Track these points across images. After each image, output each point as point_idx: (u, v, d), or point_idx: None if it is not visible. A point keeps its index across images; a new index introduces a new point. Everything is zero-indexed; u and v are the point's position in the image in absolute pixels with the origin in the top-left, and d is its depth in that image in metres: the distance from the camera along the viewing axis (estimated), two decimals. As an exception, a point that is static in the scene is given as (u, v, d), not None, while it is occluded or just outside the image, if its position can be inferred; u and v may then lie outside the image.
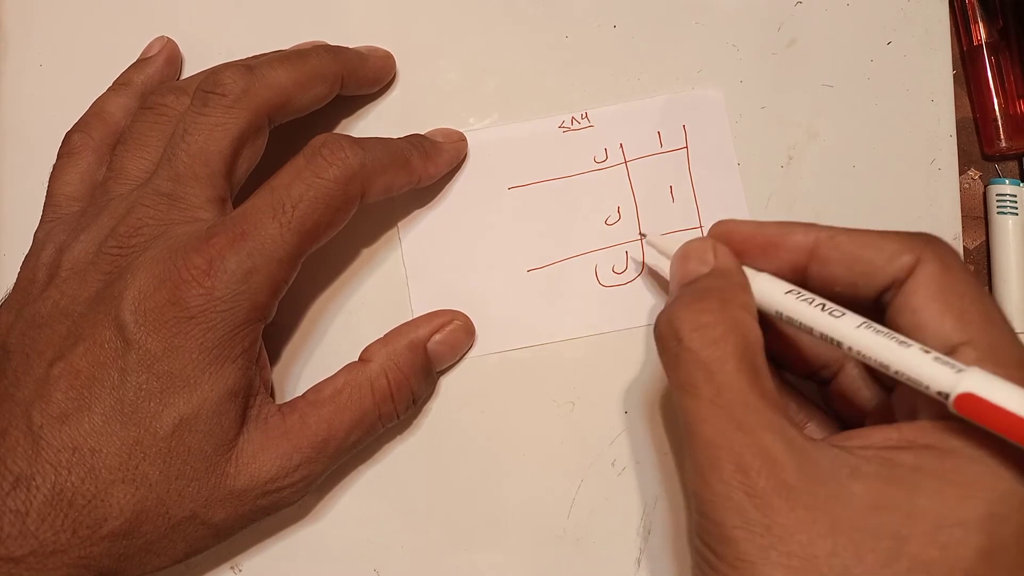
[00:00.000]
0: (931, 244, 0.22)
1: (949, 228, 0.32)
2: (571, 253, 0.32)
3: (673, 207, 0.32)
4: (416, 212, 0.32)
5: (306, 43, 0.32)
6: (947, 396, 0.20)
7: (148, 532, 0.24)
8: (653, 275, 0.31)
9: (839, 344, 0.22)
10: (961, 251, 0.31)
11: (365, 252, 0.32)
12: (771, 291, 0.24)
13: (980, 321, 0.21)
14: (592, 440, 0.30)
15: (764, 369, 0.22)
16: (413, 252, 0.32)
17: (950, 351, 0.21)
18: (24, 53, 0.33)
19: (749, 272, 0.24)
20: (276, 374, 0.31)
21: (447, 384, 0.31)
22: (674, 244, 0.26)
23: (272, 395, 0.28)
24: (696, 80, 0.32)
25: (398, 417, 0.29)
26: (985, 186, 0.34)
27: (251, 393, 0.26)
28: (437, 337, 0.30)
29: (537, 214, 0.32)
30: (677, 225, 0.32)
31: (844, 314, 0.22)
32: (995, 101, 0.34)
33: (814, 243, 0.23)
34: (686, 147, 0.32)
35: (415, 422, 0.31)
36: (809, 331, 0.23)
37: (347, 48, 0.31)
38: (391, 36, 0.32)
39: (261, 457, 0.26)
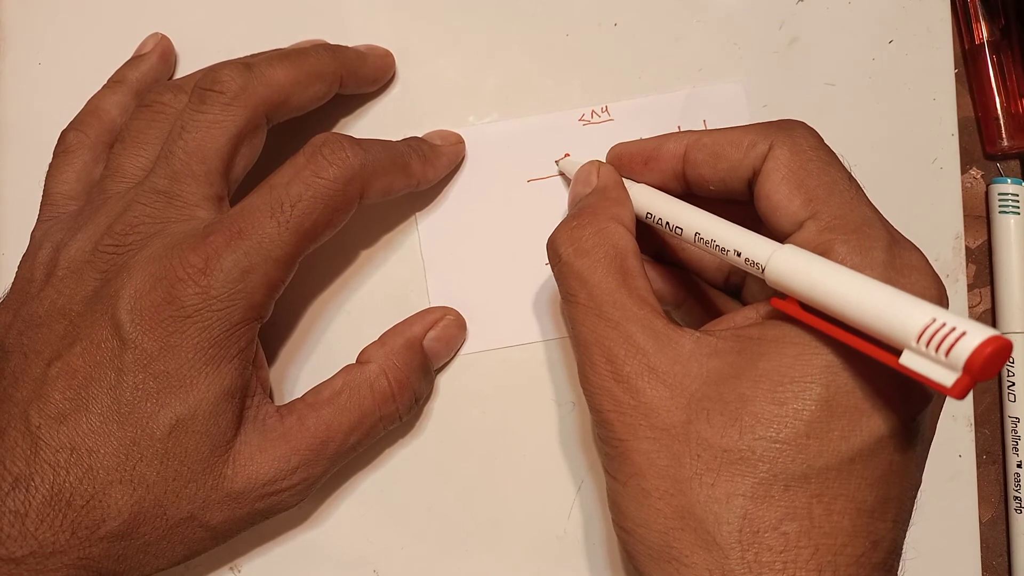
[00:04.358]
0: (784, 128, 0.24)
1: (951, 227, 0.31)
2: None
3: None
4: (435, 203, 0.32)
5: (305, 41, 0.32)
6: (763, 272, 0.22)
7: (146, 533, 0.24)
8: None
9: (680, 232, 0.25)
10: (963, 251, 0.31)
11: (364, 253, 0.32)
12: (640, 196, 0.26)
13: (825, 194, 0.22)
14: (592, 440, 0.30)
15: (635, 271, 0.24)
16: (431, 244, 0.32)
17: (798, 227, 0.22)
18: (23, 51, 0.33)
19: (628, 183, 0.27)
20: (276, 376, 0.31)
21: (448, 385, 0.31)
22: (582, 163, 0.28)
23: (271, 397, 0.28)
24: (697, 79, 0.32)
25: (400, 418, 0.29)
26: (987, 185, 0.34)
27: (248, 394, 0.26)
28: (432, 334, 0.30)
29: (556, 207, 0.32)
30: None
31: (688, 206, 0.25)
32: (997, 100, 0.34)
33: (685, 148, 0.25)
34: None
35: (416, 422, 0.31)
36: (666, 226, 0.25)
37: (346, 47, 0.31)
38: (390, 34, 0.32)
39: (259, 459, 0.26)
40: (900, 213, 0.31)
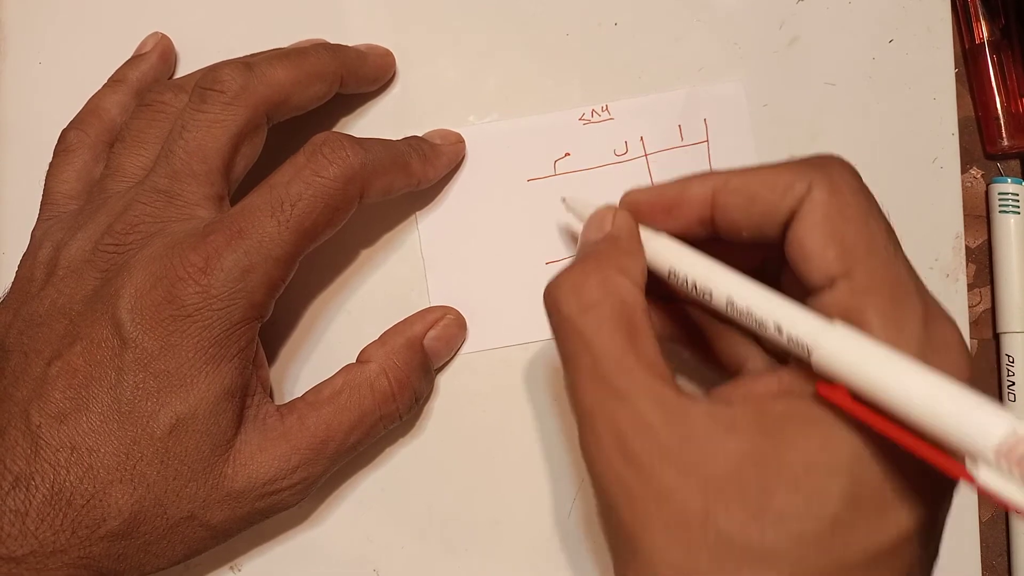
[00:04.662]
0: (823, 168, 0.22)
1: (951, 227, 0.31)
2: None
3: None
4: (435, 203, 0.32)
5: (305, 41, 0.32)
6: (809, 354, 0.20)
7: (147, 533, 0.24)
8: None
9: (709, 297, 0.22)
10: (963, 250, 0.31)
11: (364, 252, 0.32)
12: (662, 251, 0.24)
13: (862, 249, 0.21)
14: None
15: (643, 331, 0.21)
16: (431, 243, 0.32)
17: (830, 283, 0.21)
18: (23, 51, 0.33)
19: (647, 234, 0.24)
20: (276, 375, 0.31)
21: (448, 384, 0.31)
22: (594, 206, 0.26)
23: (271, 396, 0.28)
24: (697, 79, 0.32)
25: (400, 418, 0.29)
26: (987, 185, 0.34)
27: (248, 393, 0.26)
28: (432, 333, 0.30)
29: (556, 207, 0.31)
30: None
31: (720, 266, 0.22)
32: (997, 99, 0.34)
33: (711, 192, 0.23)
34: (707, 141, 0.32)
35: (416, 422, 0.31)
36: (693, 288, 0.23)
37: (347, 46, 0.31)
38: (391, 34, 0.32)
39: (259, 458, 0.26)
40: (900, 213, 0.32)
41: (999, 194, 0.33)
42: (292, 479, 0.26)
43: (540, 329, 0.31)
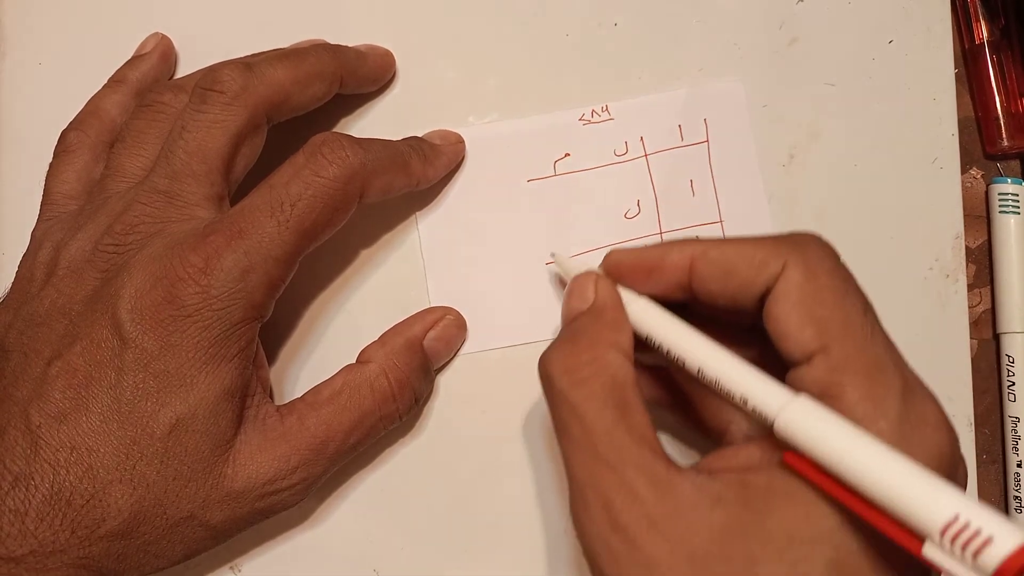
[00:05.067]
0: (799, 247, 0.22)
1: (951, 227, 0.32)
2: (590, 247, 0.31)
3: (693, 201, 0.32)
4: (435, 203, 0.32)
5: (305, 41, 0.32)
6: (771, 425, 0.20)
7: (146, 533, 0.24)
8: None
9: (682, 363, 0.23)
10: (963, 250, 0.31)
11: (364, 252, 0.32)
12: (641, 315, 0.24)
13: (838, 328, 0.21)
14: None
15: (634, 404, 0.22)
16: (431, 243, 0.32)
17: (807, 359, 0.21)
18: (23, 52, 0.33)
19: (628, 297, 0.25)
20: (276, 376, 0.31)
21: (448, 385, 0.31)
22: (578, 267, 0.26)
23: (271, 397, 0.28)
24: (697, 78, 0.32)
25: (400, 418, 0.29)
26: (987, 185, 0.34)
27: (248, 393, 0.26)
28: (432, 334, 0.30)
29: (556, 207, 0.32)
30: (697, 219, 0.32)
31: (694, 335, 0.23)
32: (997, 100, 0.34)
33: (690, 260, 0.24)
34: (707, 141, 0.32)
35: (416, 422, 0.31)
36: (667, 354, 0.23)
37: (346, 47, 0.31)
38: (391, 34, 0.32)
39: (259, 458, 0.26)
40: (900, 213, 0.32)
41: (999, 194, 0.33)
42: (292, 479, 0.26)
43: (540, 329, 0.31)
